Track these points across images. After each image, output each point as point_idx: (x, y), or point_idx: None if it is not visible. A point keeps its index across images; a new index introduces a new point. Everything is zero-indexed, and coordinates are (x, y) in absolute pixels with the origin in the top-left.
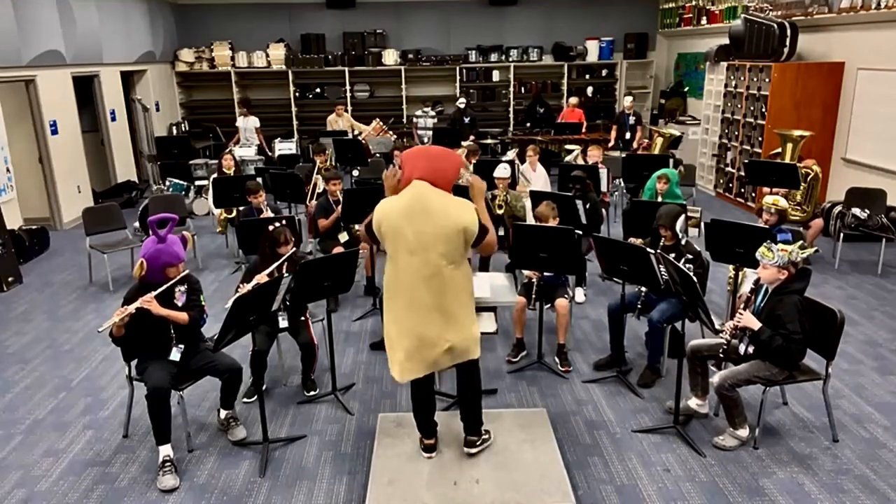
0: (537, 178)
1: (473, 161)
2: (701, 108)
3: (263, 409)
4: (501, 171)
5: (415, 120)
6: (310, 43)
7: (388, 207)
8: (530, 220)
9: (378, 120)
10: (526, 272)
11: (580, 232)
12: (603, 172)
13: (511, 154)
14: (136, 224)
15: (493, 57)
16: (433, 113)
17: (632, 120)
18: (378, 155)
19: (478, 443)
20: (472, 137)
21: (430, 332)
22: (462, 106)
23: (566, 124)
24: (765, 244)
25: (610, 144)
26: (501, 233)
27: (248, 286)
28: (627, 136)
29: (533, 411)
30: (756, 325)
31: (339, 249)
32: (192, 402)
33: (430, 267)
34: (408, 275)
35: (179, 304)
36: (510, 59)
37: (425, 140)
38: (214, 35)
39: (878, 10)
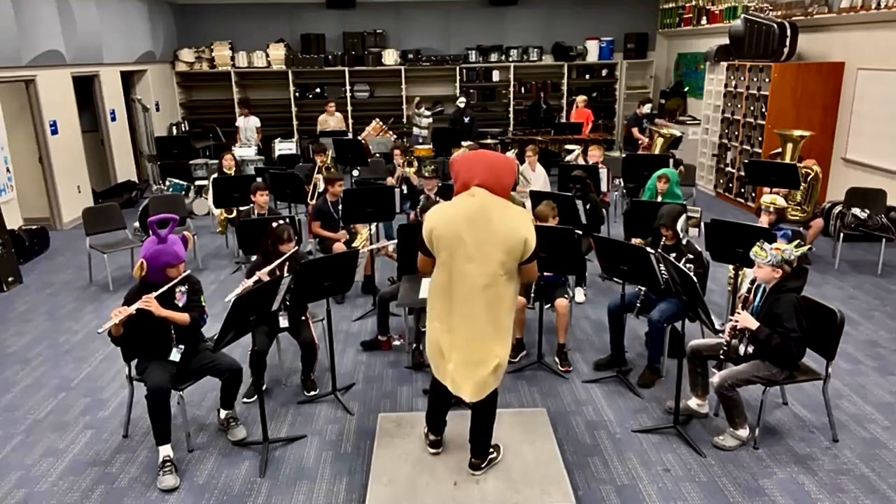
0: (537, 177)
1: None
2: (701, 108)
3: (263, 409)
4: None
5: (416, 120)
6: (310, 43)
7: (442, 213)
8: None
9: (378, 120)
10: None
11: (580, 232)
12: (603, 172)
13: (510, 154)
14: (136, 224)
15: (493, 57)
16: (428, 113)
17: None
18: (378, 155)
19: (483, 465)
20: (467, 143)
21: (481, 345)
22: (462, 106)
23: (566, 124)
24: (758, 243)
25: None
26: None
27: (250, 281)
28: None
29: (533, 411)
30: (753, 324)
31: (339, 248)
32: (192, 402)
33: (488, 277)
34: (464, 284)
35: (180, 304)
36: (510, 59)
37: (420, 141)
38: (214, 35)
39: (878, 10)
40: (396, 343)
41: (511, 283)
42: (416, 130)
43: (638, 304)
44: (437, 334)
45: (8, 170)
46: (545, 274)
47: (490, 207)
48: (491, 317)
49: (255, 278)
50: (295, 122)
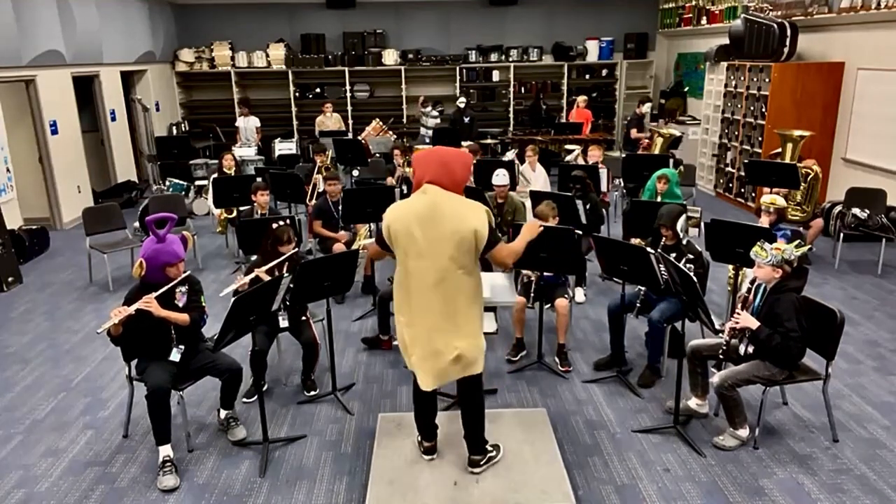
0: (537, 177)
1: (474, 161)
2: (701, 108)
3: (263, 409)
4: (500, 178)
5: (423, 119)
6: (310, 43)
7: (397, 211)
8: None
9: (378, 119)
10: (525, 272)
11: (580, 232)
12: (603, 172)
13: (511, 154)
14: (136, 224)
15: (493, 57)
16: (436, 113)
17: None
18: (378, 155)
19: (482, 462)
20: (467, 143)
21: (438, 338)
22: (462, 106)
23: (566, 124)
24: (758, 243)
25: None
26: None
27: (246, 278)
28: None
29: (533, 411)
30: (754, 324)
31: (339, 248)
32: (192, 402)
33: (439, 272)
34: (417, 280)
35: (180, 304)
36: (510, 59)
37: (426, 141)
38: (214, 35)
39: (878, 10)
40: (397, 343)
41: (469, 276)
42: (422, 131)
43: (638, 304)
44: (401, 328)
45: (8, 170)
46: (545, 274)
47: (440, 204)
48: (447, 311)
49: (252, 275)
50: (295, 122)
